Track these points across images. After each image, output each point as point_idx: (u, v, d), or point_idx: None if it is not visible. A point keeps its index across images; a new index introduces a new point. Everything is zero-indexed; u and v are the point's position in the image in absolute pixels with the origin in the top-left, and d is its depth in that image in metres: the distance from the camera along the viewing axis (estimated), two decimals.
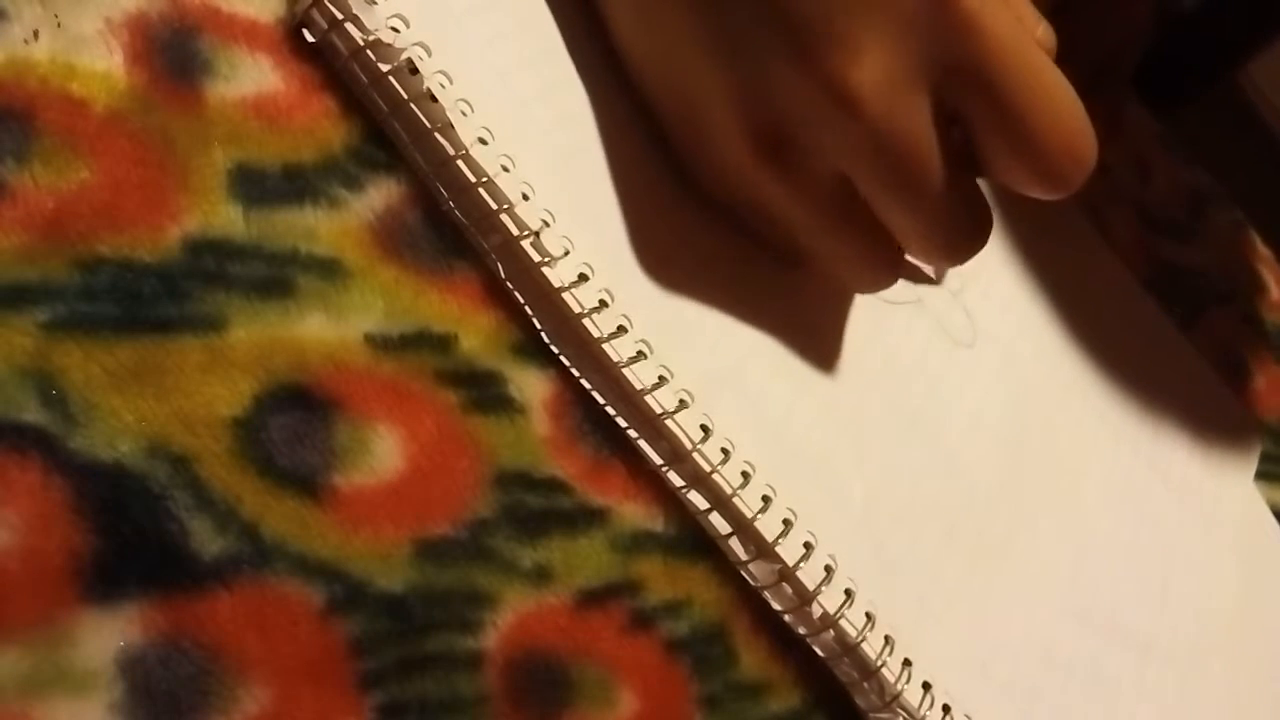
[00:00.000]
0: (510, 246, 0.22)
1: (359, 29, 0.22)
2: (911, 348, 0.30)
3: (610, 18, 0.26)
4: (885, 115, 0.22)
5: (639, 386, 0.22)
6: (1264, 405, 0.43)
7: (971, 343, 0.32)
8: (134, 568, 0.17)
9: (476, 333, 0.22)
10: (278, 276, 0.20)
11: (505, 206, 0.22)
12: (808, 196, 0.24)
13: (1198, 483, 0.35)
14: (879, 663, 0.23)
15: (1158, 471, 0.34)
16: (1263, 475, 0.38)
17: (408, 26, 0.22)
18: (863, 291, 0.28)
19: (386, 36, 0.22)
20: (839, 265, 0.26)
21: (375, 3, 0.22)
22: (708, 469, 0.22)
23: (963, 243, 0.25)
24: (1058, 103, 0.22)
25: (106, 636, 0.16)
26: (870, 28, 0.21)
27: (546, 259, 0.22)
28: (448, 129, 0.22)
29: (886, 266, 0.26)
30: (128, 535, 0.17)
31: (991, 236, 0.35)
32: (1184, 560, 0.33)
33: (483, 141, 0.22)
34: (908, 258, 0.27)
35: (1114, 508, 0.32)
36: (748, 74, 0.23)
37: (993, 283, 0.34)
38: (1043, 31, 0.25)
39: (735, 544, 0.23)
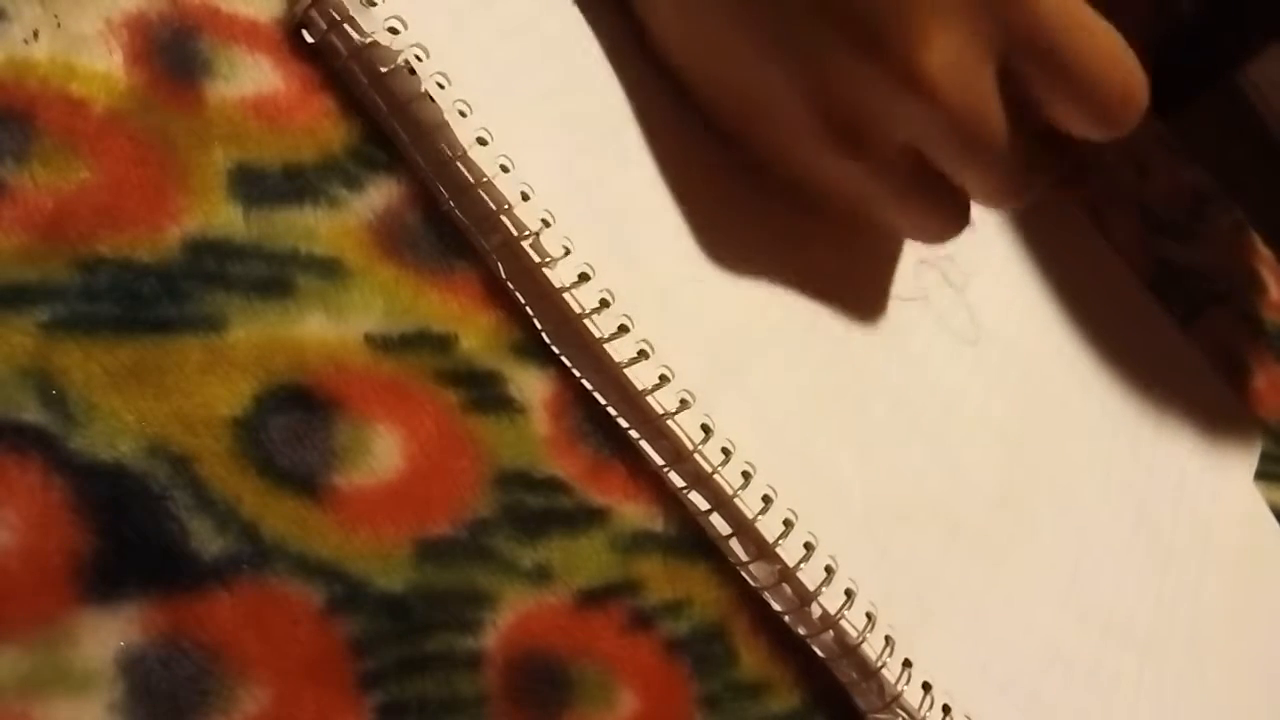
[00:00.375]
0: (510, 247, 0.22)
1: (357, 31, 0.22)
2: (914, 345, 0.30)
3: (649, 18, 0.27)
4: (960, 94, 0.23)
5: (640, 387, 0.22)
6: (1264, 405, 0.43)
7: (974, 340, 0.32)
8: (134, 568, 0.17)
9: (476, 333, 0.22)
10: (278, 276, 0.20)
11: (504, 207, 0.22)
12: (882, 170, 0.26)
13: (1198, 482, 0.35)
14: (879, 663, 0.23)
15: (1158, 471, 0.34)
16: (1263, 475, 0.38)
17: (406, 28, 0.22)
18: (931, 243, 0.29)
19: (384, 38, 0.22)
20: (910, 225, 0.28)
21: (374, 4, 0.22)
22: (708, 470, 0.22)
23: (1031, 183, 0.26)
24: (1111, 56, 0.24)
25: (106, 636, 0.16)
26: (937, 13, 0.23)
27: (546, 259, 0.22)
28: (446, 130, 0.22)
29: (957, 218, 0.28)
30: (128, 535, 0.17)
31: (995, 236, 0.36)
32: (1184, 560, 0.33)
33: (481, 142, 0.22)
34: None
35: (1114, 507, 0.32)
36: (808, 67, 0.24)
37: (996, 281, 0.34)
38: None
39: (736, 544, 0.23)
